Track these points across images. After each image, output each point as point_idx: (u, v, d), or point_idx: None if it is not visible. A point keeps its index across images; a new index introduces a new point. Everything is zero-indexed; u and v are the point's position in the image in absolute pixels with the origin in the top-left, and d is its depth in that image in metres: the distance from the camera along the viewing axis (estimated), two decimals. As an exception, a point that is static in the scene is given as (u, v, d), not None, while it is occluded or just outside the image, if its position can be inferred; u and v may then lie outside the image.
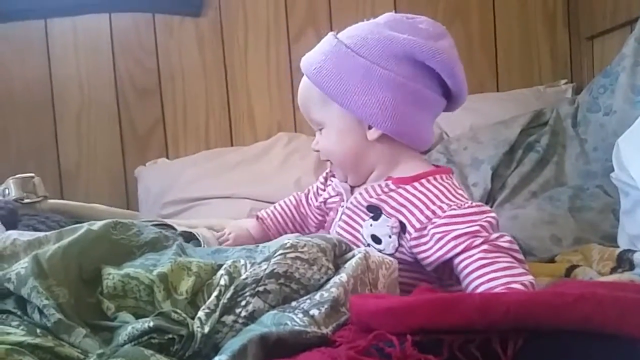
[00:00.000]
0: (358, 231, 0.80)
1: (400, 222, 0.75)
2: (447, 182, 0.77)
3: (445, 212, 0.72)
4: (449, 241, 0.70)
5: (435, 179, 0.77)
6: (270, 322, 0.51)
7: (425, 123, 0.82)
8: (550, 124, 1.38)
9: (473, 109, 1.45)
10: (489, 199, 1.32)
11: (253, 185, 1.41)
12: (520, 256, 0.68)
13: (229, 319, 0.55)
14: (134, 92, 1.63)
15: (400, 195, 0.76)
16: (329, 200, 0.91)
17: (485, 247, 0.67)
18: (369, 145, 0.81)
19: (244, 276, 0.58)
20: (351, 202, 0.82)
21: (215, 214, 1.33)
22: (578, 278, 0.90)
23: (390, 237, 0.76)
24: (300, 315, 0.52)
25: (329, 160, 0.86)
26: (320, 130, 0.84)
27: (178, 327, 0.53)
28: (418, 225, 0.73)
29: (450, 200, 0.73)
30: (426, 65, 0.77)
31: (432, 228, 0.72)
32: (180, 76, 1.64)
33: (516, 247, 0.69)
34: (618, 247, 0.98)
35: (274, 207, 1.02)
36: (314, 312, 0.53)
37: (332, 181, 0.92)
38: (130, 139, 1.64)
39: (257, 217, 0.99)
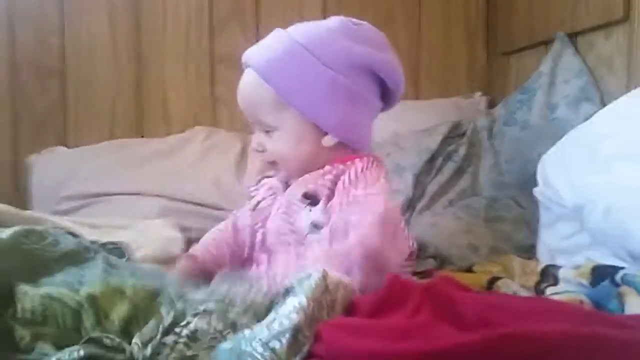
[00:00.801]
0: (296, 221, 0.79)
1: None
2: (374, 168, 0.80)
3: (353, 191, 0.75)
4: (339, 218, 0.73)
5: (361, 161, 0.79)
6: None
7: (370, 128, 0.87)
8: (467, 135, 1.42)
9: (395, 116, 1.45)
10: (410, 206, 1.33)
11: (165, 182, 1.31)
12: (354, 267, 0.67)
13: (169, 339, 0.49)
14: (32, 70, 1.45)
15: (333, 175, 0.78)
16: (261, 203, 0.86)
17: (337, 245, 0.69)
18: (322, 150, 0.82)
19: (184, 302, 0.52)
20: (288, 194, 0.81)
21: (120, 213, 1.22)
22: (501, 290, 0.92)
23: (328, 220, 0.75)
24: (260, 349, 0.47)
25: (273, 162, 0.84)
26: (268, 132, 0.81)
27: (113, 353, 0.45)
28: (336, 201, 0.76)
29: (369, 184, 0.76)
30: (378, 77, 0.82)
31: (338, 200, 0.75)
32: (87, 56, 1.49)
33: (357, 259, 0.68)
34: (535, 258, 1.03)
35: (208, 240, 0.93)
36: (275, 344, 0.48)
37: (262, 184, 0.89)
38: (25, 123, 1.46)
39: (193, 258, 0.89)
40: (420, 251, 1.11)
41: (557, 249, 0.96)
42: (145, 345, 0.46)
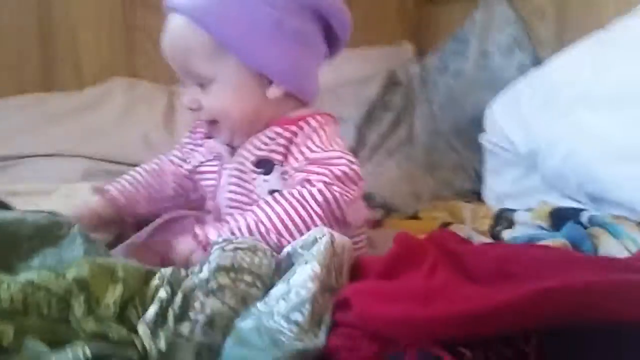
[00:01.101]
0: (252, 191, 0.72)
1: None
2: (327, 127, 0.73)
3: (311, 154, 0.69)
4: (298, 176, 0.68)
5: (316, 120, 0.72)
6: (261, 341, 0.41)
7: (317, 76, 0.78)
8: (403, 84, 1.42)
9: (328, 65, 1.42)
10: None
11: (87, 140, 1.18)
12: (322, 218, 0.64)
13: (184, 327, 0.43)
14: None
15: (285, 138, 0.71)
16: (203, 166, 0.78)
17: (297, 188, 0.65)
18: (267, 104, 0.73)
19: (188, 281, 0.47)
20: (237, 162, 0.73)
21: (39, 177, 1.09)
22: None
23: (285, 185, 0.70)
24: (285, 323, 0.43)
25: (212, 122, 0.73)
26: (203, 86, 0.71)
27: (122, 349, 0.40)
28: (290, 171, 0.70)
29: (327, 144, 0.70)
30: (324, 19, 0.74)
31: (297, 169, 0.69)
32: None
33: (324, 205, 0.64)
34: (479, 203, 1.06)
35: (125, 177, 0.83)
36: (297, 316, 0.44)
37: (202, 143, 0.80)
38: None
39: (104, 193, 0.80)
40: (368, 201, 1.11)
41: (505, 193, 1.00)
42: (155, 334, 0.41)
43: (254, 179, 0.72)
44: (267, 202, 0.65)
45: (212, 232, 0.63)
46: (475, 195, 1.20)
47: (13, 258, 0.46)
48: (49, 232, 0.48)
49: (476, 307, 0.40)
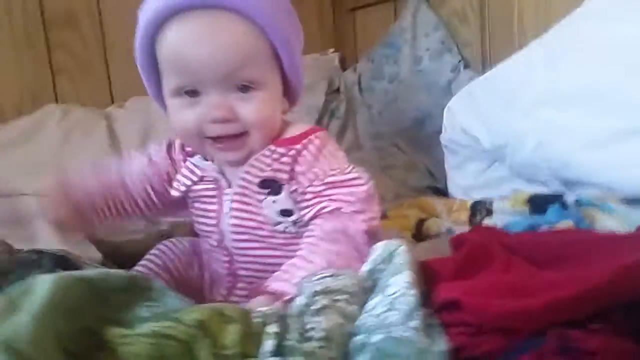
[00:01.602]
0: (259, 214, 0.70)
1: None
2: (328, 143, 0.72)
3: (327, 176, 0.68)
4: (321, 202, 0.67)
5: (318, 137, 0.71)
6: (404, 351, 0.42)
7: None
8: (342, 91, 1.47)
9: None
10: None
11: (32, 176, 1.07)
12: (365, 248, 0.62)
13: (307, 347, 0.43)
14: None
15: (289, 157, 0.69)
16: (195, 188, 0.74)
17: (338, 225, 0.64)
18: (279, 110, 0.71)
19: (290, 311, 0.47)
20: (238, 186, 0.70)
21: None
22: (432, 229, 1.01)
23: (297, 203, 0.69)
24: (407, 332, 0.45)
25: (236, 135, 0.67)
26: (246, 93, 0.66)
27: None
28: (300, 190, 0.68)
29: (333, 163, 0.69)
30: None
31: (310, 192, 0.68)
32: None
33: (365, 237, 0.65)
34: (445, 197, 1.13)
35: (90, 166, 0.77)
36: (414, 323, 0.46)
37: (187, 163, 0.75)
38: None
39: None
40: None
41: (470, 186, 1.08)
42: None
43: (261, 200, 0.70)
44: (314, 246, 0.63)
45: (282, 285, 0.60)
46: (430, 190, 1.28)
47: (106, 312, 0.42)
48: (136, 286, 0.45)
49: (579, 289, 0.45)
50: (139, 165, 0.78)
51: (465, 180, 1.09)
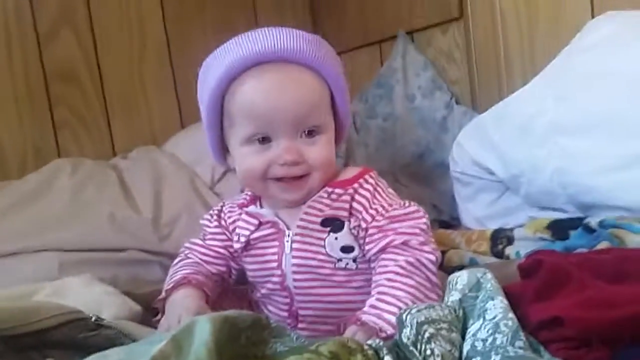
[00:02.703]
0: (320, 252, 0.74)
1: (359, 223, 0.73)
2: (380, 181, 0.79)
3: (388, 211, 0.73)
4: (386, 236, 0.71)
5: (372, 177, 0.77)
6: None
7: None
8: (339, 131, 1.51)
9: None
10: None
11: (48, 232, 1.06)
12: (435, 278, 0.69)
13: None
14: None
15: (348, 195, 0.74)
16: (255, 236, 0.77)
17: (410, 257, 0.68)
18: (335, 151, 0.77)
19: (398, 342, 0.50)
20: (299, 226, 0.74)
21: (15, 279, 0.96)
22: (454, 259, 1.05)
23: (356, 240, 0.73)
24: (518, 351, 0.48)
25: (298, 177, 0.72)
26: (312, 138, 0.72)
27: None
28: (364, 225, 0.73)
29: (390, 198, 0.76)
30: None
31: (374, 226, 0.72)
32: None
33: (435, 267, 0.70)
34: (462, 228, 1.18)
35: (185, 269, 0.79)
36: (520, 344, 0.49)
37: (240, 215, 0.80)
38: None
39: (189, 281, 0.76)
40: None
41: (484, 216, 1.13)
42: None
43: (322, 238, 0.74)
44: (393, 282, 0.66)
45: (372, 319, 0.63)
46: (436, 224, 1.32)
47: (241, 348, 0.44)
48: (259, 324, 0.47)
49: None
50: (206, 253, 0.81)
51: (478, 211, 1.14)
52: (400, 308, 0.61)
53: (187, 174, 1.25)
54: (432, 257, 0.68)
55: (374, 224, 0.72)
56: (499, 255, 1.00)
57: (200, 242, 0.83)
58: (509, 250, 1.00)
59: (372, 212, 0.73)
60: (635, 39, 0.93)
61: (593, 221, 0.87)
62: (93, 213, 1.12)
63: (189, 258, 0.82)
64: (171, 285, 0.75)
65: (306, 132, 0.71)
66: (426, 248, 0.69)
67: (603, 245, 0.77)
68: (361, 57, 1.69)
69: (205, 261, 0.80)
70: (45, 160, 1.25)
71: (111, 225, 1.10)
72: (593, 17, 1.08)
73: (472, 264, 1.00)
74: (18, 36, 1.27)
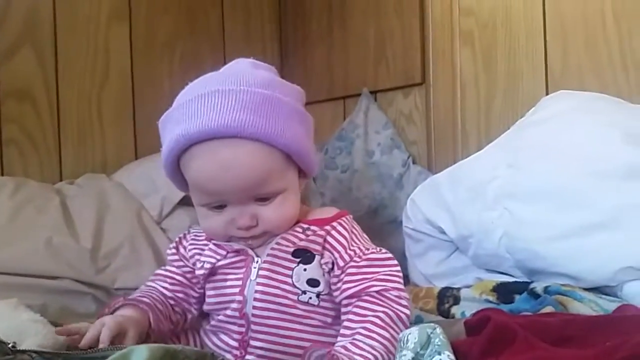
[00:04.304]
0: (286, 282, 0.74)
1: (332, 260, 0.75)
2: (355, 225, 0.81)
3: (365, 254, 0.75)
4: (365, 279, 0.72)
5: (348, 220, 0.79)
6: None
7: None
8: (296, 179, 1.51)
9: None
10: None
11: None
12: (398, 333, 0.68)
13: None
14: None
15: (327, 233, 0.75)
16: (221, 263, 0.76)
17: (389, 310, 0.69)
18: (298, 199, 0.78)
19: None
20: (269, 255, 0.74)
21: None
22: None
23: (324, 275, 0.74)
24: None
25: (261, 234, 0.74)
26: (266, 200, 0.72)
27: None
28: (342, 264, 0.74)
29: (366, 242, 0.78)
30: None
31: (353, 266, 0.73)
32: None
33: (408, 321, 0.72)
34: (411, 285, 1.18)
35: (145, 292, 0.79)
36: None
37: (206, 245, 0.79)
38: None
39: (130, 302, 0.74)
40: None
41: (432, 275, 1.13)
42: None
43: (290, 268, 0.74)
44: (370, 332, 0.67)
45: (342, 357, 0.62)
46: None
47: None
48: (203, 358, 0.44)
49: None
50: (169, 283, 0.81)
51: (427, 269, 1.14)
52: (374, 357, 0.64)
53: (133, 206, 1.21)
54: (408, 312, 0.71)
55: (353, 264, 0.73)
56: (445, 314, 1.01)
57: (163, 269, 0.83)
58: (455, 310, 1.00)
59: (351, 252, 0.74)
60: (584, 117, 0.99)
61: (539, 286, 0.89)
62: (30, 236, 1.06)
63: (150, 283, 0.82)
64: (119, 303, 0.74)
65: (259, 199, 0.72)
66: (403, 302, 0.71)
67: (547, 310, 0.78)
68: (325, 110, 1.72)
69: (164, 287, 0.80)
70: (-14, 177, 1.18)
71: (47, 251, 1.04)
72: (547, 94, 1.15)
73: (418, 321, 1.00)
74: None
